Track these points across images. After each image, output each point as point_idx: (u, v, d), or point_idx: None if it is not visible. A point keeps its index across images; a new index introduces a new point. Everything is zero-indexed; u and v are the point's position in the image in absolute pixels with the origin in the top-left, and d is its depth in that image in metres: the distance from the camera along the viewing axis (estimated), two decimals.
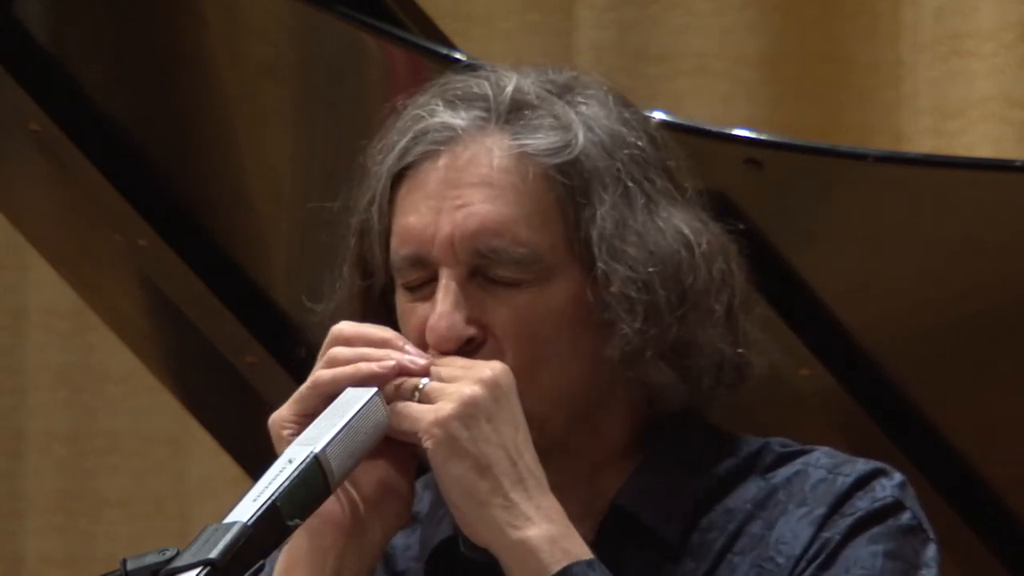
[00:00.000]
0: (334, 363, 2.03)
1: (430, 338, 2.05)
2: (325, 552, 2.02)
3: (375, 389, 2.07)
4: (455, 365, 2.04)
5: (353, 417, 1.99)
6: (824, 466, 2.11)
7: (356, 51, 4.63)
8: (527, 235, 2.07)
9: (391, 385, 2.05)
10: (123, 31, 4.84)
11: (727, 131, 4.40)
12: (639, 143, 2.15)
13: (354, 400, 2.00)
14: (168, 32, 4.67)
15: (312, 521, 1.98)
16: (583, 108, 2.22)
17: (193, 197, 4.71)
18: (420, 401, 2.02)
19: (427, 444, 1.97)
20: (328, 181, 4.83)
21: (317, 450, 1.94)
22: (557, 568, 1.92)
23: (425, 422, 1.98)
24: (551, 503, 1.95)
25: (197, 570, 1.74)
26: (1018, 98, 9.04)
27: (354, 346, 2.03)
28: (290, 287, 4.80)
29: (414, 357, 2.01)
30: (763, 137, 4.71)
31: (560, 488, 2.05)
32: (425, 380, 2.02)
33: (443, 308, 2.07)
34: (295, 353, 4.68)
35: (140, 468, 7.58)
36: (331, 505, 2.01)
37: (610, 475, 2.10)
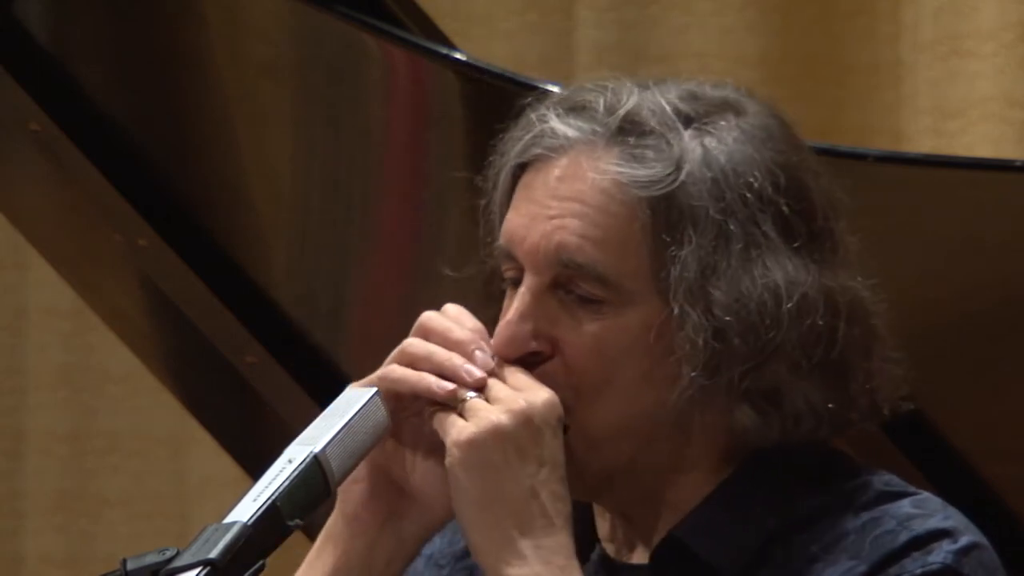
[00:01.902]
0: (405, 357, 2.03)
1: (495, 342, 2.04)
2: (358, 535, 2.01)
3: (375, 389, 2.06)
4: (511, 383, 2.02)
5: (353, 417, 1.99)
6: (900, 516, 2.03)
7: (356, 51, 4.64)
8: (608, 258, 2.03)
9: (446, 389, 2.04)
10: (123, 31, 4.84)
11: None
12: (759, 183, 2.07)
13: (354, 400, 2.00)
14: (168, 32, 4.66)
15: (348, 504, 1.98)
16: (710, 140, 2.12)
17: (193, 197, 4.71)
18: (460, 414, 2.01)
19: (447, 460, 1.97)
20: (328, 181, 4.86)
21: (317, 450, 1.93)
22: None
23: (449, 439, 1.97)
24: (556, 544, 1.91)
25: (197, 570, 1.74)
26: (1018, 98, 9.03)
27: (431, 342, 2.02)
28: (290, 287, 4.80)
29: (474, 369, 2.00)
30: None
31: (624, 513, 2.04)
32: (473, 394, 2.01)
33: (512, 316, 2.05)
34: (295, 353, 4.68)
35: (140, 468, 7.58)
36: (370, 489, 2.02)
37: (681, 502, 2.05)
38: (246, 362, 4.56)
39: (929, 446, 4.01)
